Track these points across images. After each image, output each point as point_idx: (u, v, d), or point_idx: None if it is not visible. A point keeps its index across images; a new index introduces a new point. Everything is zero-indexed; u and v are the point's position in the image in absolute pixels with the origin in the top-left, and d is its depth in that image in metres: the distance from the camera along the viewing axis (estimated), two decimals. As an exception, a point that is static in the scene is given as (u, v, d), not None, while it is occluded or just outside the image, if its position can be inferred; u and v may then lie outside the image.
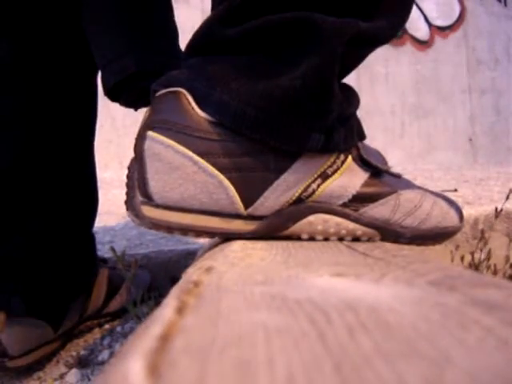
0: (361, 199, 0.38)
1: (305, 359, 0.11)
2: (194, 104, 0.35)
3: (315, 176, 0.37)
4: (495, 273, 0.75)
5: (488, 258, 0.74)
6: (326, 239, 0.38)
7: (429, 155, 3.31)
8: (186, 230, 0.36)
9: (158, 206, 0.35)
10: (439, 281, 0.19)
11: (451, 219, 0.42)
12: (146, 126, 0.36)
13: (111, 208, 1.32)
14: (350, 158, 0.38)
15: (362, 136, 0.41)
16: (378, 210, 0.39)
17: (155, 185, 0.35)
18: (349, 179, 0.38)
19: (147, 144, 0.35)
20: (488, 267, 0.75)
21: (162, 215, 0.35)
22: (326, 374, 0.10)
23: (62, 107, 0.54)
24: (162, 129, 0.35)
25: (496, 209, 0.78)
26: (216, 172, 0.34)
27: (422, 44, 3.41)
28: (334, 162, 0.37)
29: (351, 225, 0.38)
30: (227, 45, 0.35)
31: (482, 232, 0.79)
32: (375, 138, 3.02)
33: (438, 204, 0.42)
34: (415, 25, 3.36)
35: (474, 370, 0.10)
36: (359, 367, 0.10)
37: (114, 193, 1.73)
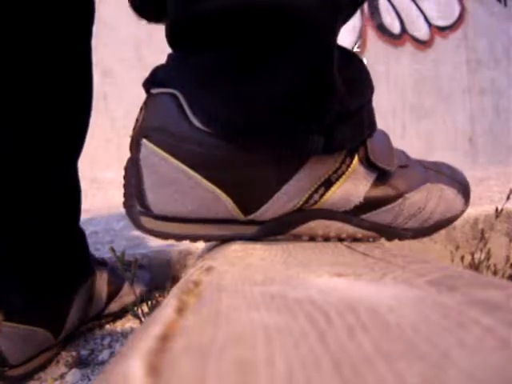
0: (364, 207, 0.37)
1: (305, 359, 0.11)
2: (188, 111, 0.32)
3: (318, 184, 0.35)
4: (495, 273, 0.75)
5: (488, 258, 0.74)
6: (326, 240, 0.38)
7: (429, 155, 3.31)
8: (185, 239, 0.36)
9: (156, 217, 0.35)
10: (439, 281, 0.19)
11: (456, 207, 0.41)
12: (141, 131, 0.34)
13: (111, 208, 1.32)
14: (356, 160, 0.36)
15: (372, 128, 0.37)
16: (380, 216, 0.38)
17: (152, 197, 0.34)
18: (354, 185, 0.36)
19: (143, 153, 0.33)
20: (488, 267, 0.75)
21: (161, 226, 0.35)
22: (326, 373, 0.10)
23: (50, 105, 0.51)
24: (157, 139, 0.33)
25: (496, 209, 0.77)
26: (213, 187, 0.33)
27: (422, 44, 3.41)
28: (340, 168, 0.35)
29: (352, 229, 0.38)
30: (199, 28, 0.31)
31: (482, 232, 0.79)
32: (375, 138, 3.02)
33: (445, 196, 0.40)
34: (415, 25, 3.36)
35: (473, 369, 0.10)
36: (359, 367, 0.10)
37: (114, 193, 1.73)
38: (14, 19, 0.46)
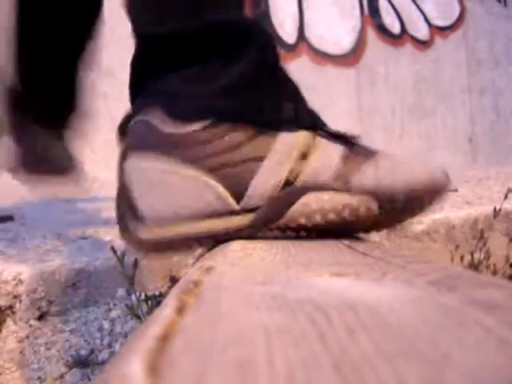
0: (344, 172, 0.38)
1: (305, 359, 0.11)
2: (162, 124, 0.37)
3: (295, 156, 0.37)
4: (495, 273, 0.75)
5: (487, 257, 0.74)
6: (325, 218, 0.38)
7: (429, 155, 3.31)
8: (186, 241, 0.36)
9: (153, 225, 0.36)
10: (439, 281, 0.19)
11: (435, 171, 0.41)
12: (123, 154, 0.38)
13: (111, 208, 1.32)
14: (319, 134, 0.39)
15: (320, 121, 0.42)
16: (363, 177, 0.38)
17: (145, 206, 0.35)
18: (327, 155, 0.38)
19: (128, 169, 0.37)
20: (487, 267, 0.75)
21: (160, 233, 0.36)
22: (326, 373, 0.10)
23: None
24: (137, 151, 0.37)
25: (494, 209, 0.77)
26: (199, 174, 0.35)
27: (422, 44, 3.41)
28: (308, 141, 0.38)
29: (343, 197, 0.38)
30: (166, 47, 0.39)
31: (482, 232, 0.79)
32: (375, 138, 3.02)
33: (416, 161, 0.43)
34: (415, 25, 3.36)
35: (473, 370, 0.10)
36: (359, 367, 0.10)
37: (114, 192, 1.72)
38: None
